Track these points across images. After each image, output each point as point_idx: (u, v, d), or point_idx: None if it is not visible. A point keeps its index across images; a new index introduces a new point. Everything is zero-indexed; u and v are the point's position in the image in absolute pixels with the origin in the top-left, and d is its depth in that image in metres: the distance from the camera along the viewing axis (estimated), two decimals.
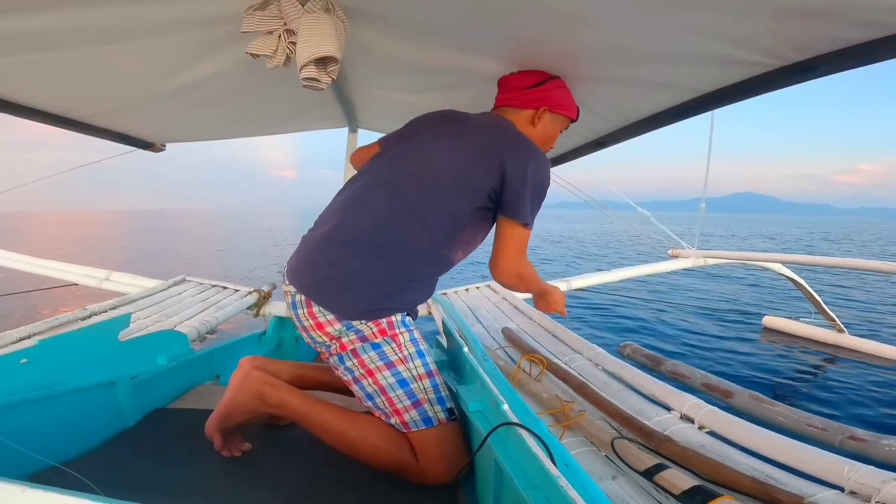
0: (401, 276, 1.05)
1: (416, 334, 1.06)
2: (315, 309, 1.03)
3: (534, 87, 1.21)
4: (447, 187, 1.07)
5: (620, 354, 2.90)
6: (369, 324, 1.01)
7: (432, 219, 1.06)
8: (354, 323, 1.01)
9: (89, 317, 1.92)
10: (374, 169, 1.17)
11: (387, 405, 1.02)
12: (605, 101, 1.45)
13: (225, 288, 2.77)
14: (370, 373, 1.02)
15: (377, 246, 1.03)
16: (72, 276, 3.16)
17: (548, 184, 1.13)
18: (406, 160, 1.13)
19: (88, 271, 3.13)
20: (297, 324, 1.09)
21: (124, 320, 1.46)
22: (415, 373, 1.02)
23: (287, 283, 1.09)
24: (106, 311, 2.01)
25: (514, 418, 0.77)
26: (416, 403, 1.01)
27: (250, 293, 2.58)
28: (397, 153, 1.17)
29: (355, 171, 1.34)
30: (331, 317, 1.02)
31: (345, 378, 1.06)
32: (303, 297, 1.04)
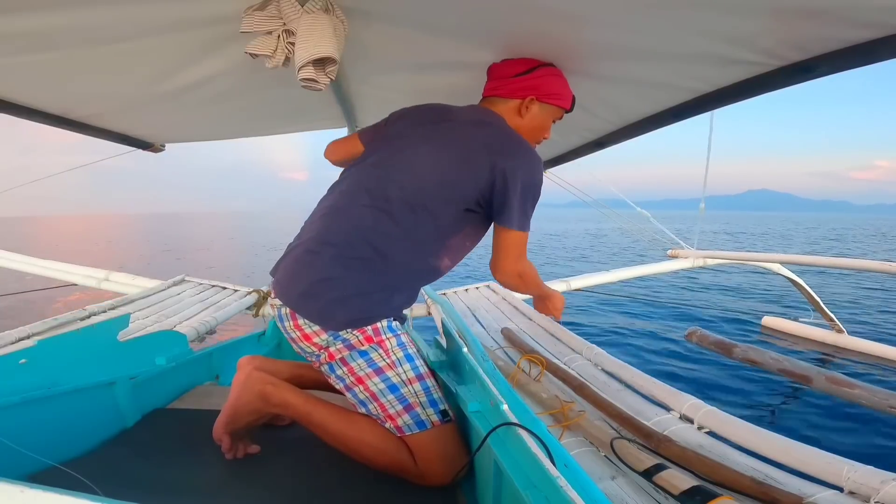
0: (385, 286, 1.03)
1: (404, 338, 1.05)
2: (300, 321, 1.02)
3: (521, 74, 1.17)
4: (433, 195, 1.05)
5: (687, 340, 2.85)
6: (355, 332, 1.00)
7: (418, 227, 1.05)
8: (340, 332, 1.00)
9: (88, 317, 1.92)
10: (356, 175, 1.14)
11: (379, 411, 1.01)
12: (604, 102, 1.45)
13: (224, 288, 2.77)
14: (360, 380, 1.01)
15: (360, 256, 1.02)
16: (71, 276, 3.16)
17: (541, 183, 1.11)
18: (389, 167, 1.10)
19: (88, 271, 3.13)
20: (285, 335, 1.08)
21: (123, 321, 1.46)
22: (404, 377, 1.01)
23: (273, 296, 1.09)
24: (105, 312, 2.01)
25: (513, 418, 0.77)
26: (408, 407, 1.01)
27: (250, 293, 2.58)
28: (380, 158, 1.14)
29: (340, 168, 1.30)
30: (316, 328, 1.01)
31: (337, 386, 1.06)
32: (287, 310, 1.03)
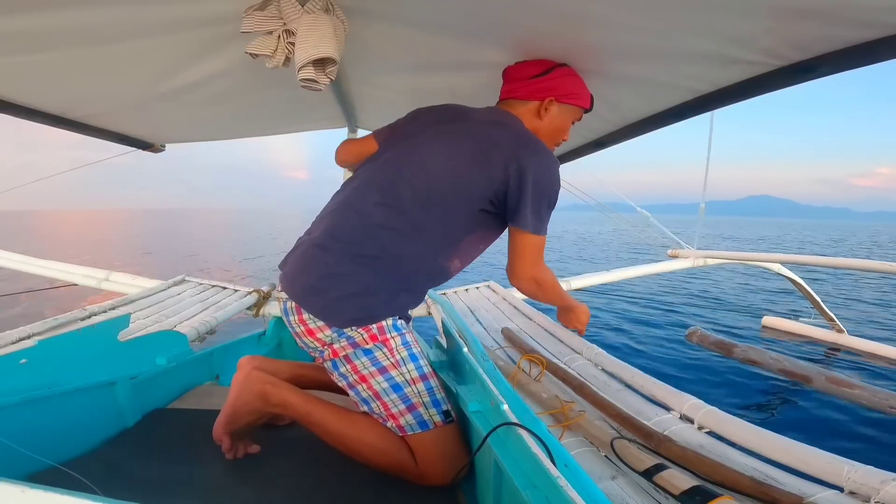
0: (393, 285, 1.02)
1: (409, 337, 1.04)
2: (305, 316, 1.01)
3: (539, 76, 1.15)
4: (444, 194, 1.03)
5: (688, 340, 2.85)
6: (359, 330, 1.00)
7: (429, 227, 1.03)
8: (345, 330, 1.00)
9: (89, 317, 1.91)
10: (368, 172, 1.13)
11: (382, 410, 1.01)
12: (604, 101, 1.45)
13: (224, 288, 2.77)
14: (363, 378, 1.01)
15: (368, 254, 1.01)
16: (71, 276, 3.16)
17: (558, 186, 1.09)
18: (401, 164, 1.09)
19: (88, 271, 3.13)
20: (290, 329, 1.08)
21: (124, 320, 1.46)
22: (408, 377, 1.01)
23: (279, 289, 1.09)
24: (105, 312, 2.01)
25: (513, 418, 0.77)
26: (411, 407, 1.00)
27: (250, 293, 2.58)
28: (393, 156, 1.13)
29: (343, 168, 1.31)
30: (321, 323, 1.00)
31: (340, 383, 1.05)
32: (293, 304, 1.03)
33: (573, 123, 1.23)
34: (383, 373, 1.00)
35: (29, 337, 1.56)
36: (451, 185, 1.04)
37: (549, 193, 1.07)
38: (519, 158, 1.03)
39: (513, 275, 1.13)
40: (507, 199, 1.05)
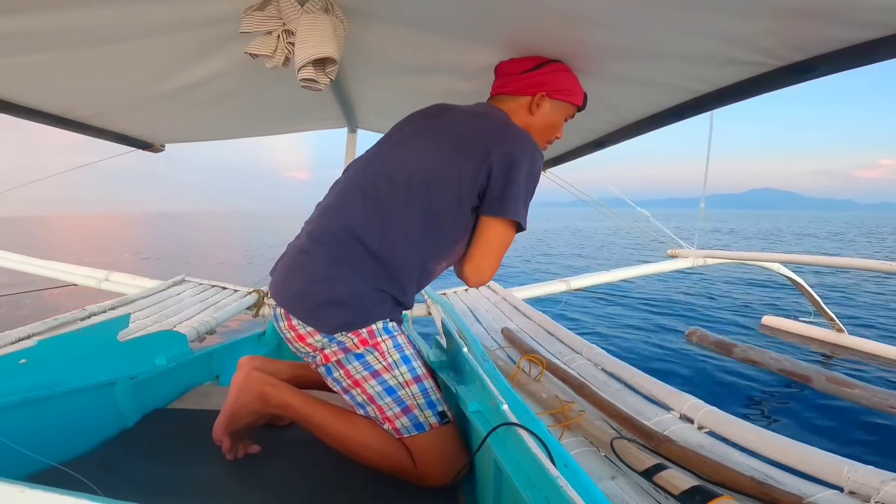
0: (380, 288, 1.00)
1: (401, 339, 1.03)
2: (294, 321, 1.00)
3: (530, 70, 1.14)
4: (425, 188, 1.01)
5: (687, 340, 2.86)
6: (349, 335, 0.98)
7: (412, 225, 1.01)
8: (335, 335, 0.99)
9: (88, 317, 1.92)
10: (352, 174, 1.11)
11: (377, 413, 1.01)
12: (604, 102, 1.45)
13: (224, 288, 2.78)
14: (357, 383, 1.00)
15: (352, 256, 0.99)
16: (71, 276, 3.17)
17: (539, 177, 1.06)
18: (382, 162, 1.07)
19: (88, 272, 3.14)
20: (281, 335, 1.07)
21: (123, 321, 1.46)
22: (401, 379, 1.00)
23: (269, 295, 1.08)
24: (105, 312, 2.01)
25: (513, 418, 0.77)
26: (406, 410, 1.00)
27: (250, 293, 2.59)
28: (374, 155, 1.12)
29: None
30: (310, 329, 0.99)
31: (335, 388, 1.05)
32: (282, 310, 1.02)
33: (566, 121, 1.21)
34: (376, 376, 1.00)
35: (29, 337, 1.56)
36: (431, 177, 1.01)
37: (534, 182, 1.04)
38: (503, 145, 1.01)
39: (477, 277, 1.09)
40: (489, 187, 1.01)
